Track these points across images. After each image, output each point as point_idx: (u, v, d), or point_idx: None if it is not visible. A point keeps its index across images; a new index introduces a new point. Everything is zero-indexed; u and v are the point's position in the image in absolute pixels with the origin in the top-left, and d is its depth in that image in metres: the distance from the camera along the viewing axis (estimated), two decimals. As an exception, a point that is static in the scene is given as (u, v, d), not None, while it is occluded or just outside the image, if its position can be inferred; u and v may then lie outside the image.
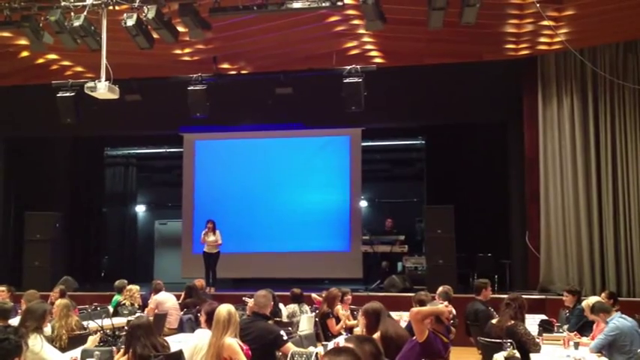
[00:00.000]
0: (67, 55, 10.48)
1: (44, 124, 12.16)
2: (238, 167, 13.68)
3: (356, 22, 9.51)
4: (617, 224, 10.11)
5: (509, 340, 5.28)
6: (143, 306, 8.89)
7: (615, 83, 10.21)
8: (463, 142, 13.30)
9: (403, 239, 12.49)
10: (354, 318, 7.65)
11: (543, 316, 7.65)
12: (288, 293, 8.40)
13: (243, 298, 8.12)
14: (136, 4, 7.41)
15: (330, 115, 11.89)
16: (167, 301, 8.69)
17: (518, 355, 5.14)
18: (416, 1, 8.05)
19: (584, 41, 10.09)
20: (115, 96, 7.67)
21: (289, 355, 5.03)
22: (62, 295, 8.07)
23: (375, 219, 14.40)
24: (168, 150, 15.77)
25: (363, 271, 12.94)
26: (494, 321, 6.11)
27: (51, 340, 5.44)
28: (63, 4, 7.47)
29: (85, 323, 6.64)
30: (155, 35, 7.90)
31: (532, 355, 5.43)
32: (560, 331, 6.78)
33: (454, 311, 6.27)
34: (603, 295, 7.73)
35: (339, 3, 7.36)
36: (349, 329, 7.28)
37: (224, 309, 4.74)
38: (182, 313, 8.72)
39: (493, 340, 5.71)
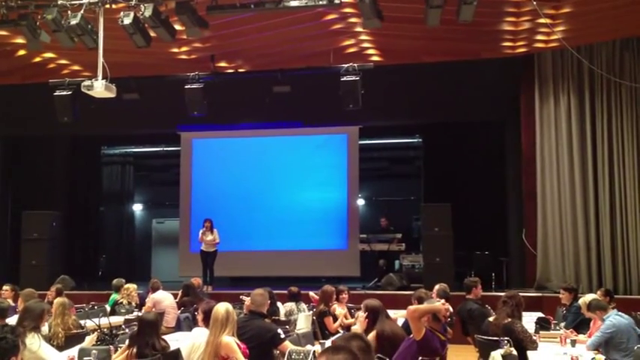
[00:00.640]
0: (64, 53, 10.46)
1: (41, 122, 12.14)
2: (236, 166, 13.68)
3: (353, 20, 9.51)
4: (613, 222, 10.13)
5: (506, 338, 5.29)
6: (140, 305, 8.89)
7: (612, 81, 10.23)
8: (460, 140, 13.31)
9: (400, 237, 12.49)
10: (352, 316, 7.66)
11: (540, 314, 7.67)
12: (285, 291, 8.41)
13: (241, 297, 8.12)
14: (133, 3, 7.41)
15: (328, 113, 11.90)
16: (164, 299, 8.68)
17: (515, 352, 5.15)
18: (413, -1, 8.05)
19: (581, 39, 10.10)
20: (112, 95, 7.66)
21: (287, 354, 5.03)
22: (59, 294, 8.06)
23: (373, 217, 14.40)
24: (165, 149, 15.75)
25: (360, 269, 12.95)
26: (491, 319, 6.13)
27: (48, 339, 5.44)
28: (60, 2, 7.46)
29: (82, 322, 6.63)
30: (152, 33, 7.89)
31: (529, 353, 5.43)
32: (557, 328, 6.80)
33: (451, 309, 6.28)
34: (599, 292, 7.74)
35: (337, 1, 7.37)
36: (346, 327, 7.28)
37: (222, 307, 4.74)
38: (179, 311, 8.71)
39: (490, 337, 5.72)
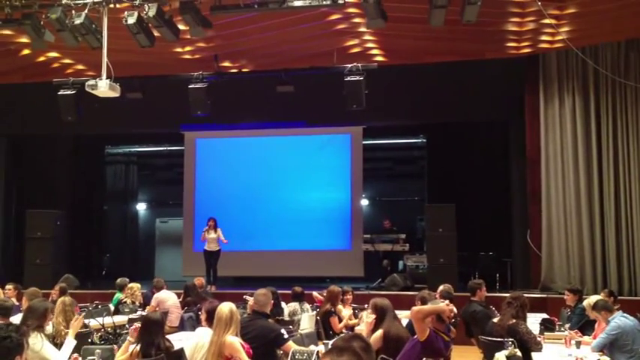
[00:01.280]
0: (68, 53, 10.48)
1: (45, 122, 12.17)
2: (239, 165, 13.68)
3: (357, 20, 9.50)
4: (618, 223, 10.09)
5: (510, 339, 5.27)
6: (144, 304, 8.90)
7: (617, 81, 10.19)
8: (464, 141, 13.29)
9: (404, 238, 12.47)
10: (355, 317, 7.64)
11: (545, 315, 7.65)
12: (289, 291, 8.40)
13: (244, 297, 8.12)
14: (137, 2, 7.41)
15: (331, 113, 11.89)
16: (168, 299, 8.69)
17: (519, 353, 5.14)
18: (417, -1, 8.04)
19: (585, 39, 10.07)
20: (115, 94, 7.66)
21: (290, 354, 5.02)
22: (63, 293, 8.05)
23: (376, 217, 14.38)
24: (169, 148, 15.77)
25: (364, 269, 12.93)
26: (495, 320, 6.10)
27: (52, 338, 5.43)
28: (64, 2, 7.46)
29: (86, 321, 6.63)
30: (156, 33, 7.89)
31: (534, 354, 5.42)
32: (562, 329, 6.77)
33: (455, 310, 6.26)
34: (603, 293, 7.72)
35: (340, 1, 7.35)
36: (350, 328, 7.26)
37: (226, 307, 4.73)
38: (183, 311, 8.71)
39: (495, 338, 5.70)
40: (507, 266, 11.75)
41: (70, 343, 5.10)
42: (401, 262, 12.64)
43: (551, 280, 10.43)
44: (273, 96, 10.66)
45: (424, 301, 5.33)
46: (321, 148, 13.60)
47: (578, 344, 5.81)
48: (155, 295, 8.77)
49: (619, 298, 8.13)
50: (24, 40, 9.54)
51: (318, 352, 5.04)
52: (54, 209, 12.38)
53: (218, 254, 11.82)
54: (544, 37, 10.11)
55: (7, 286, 8.32)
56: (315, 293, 9.28)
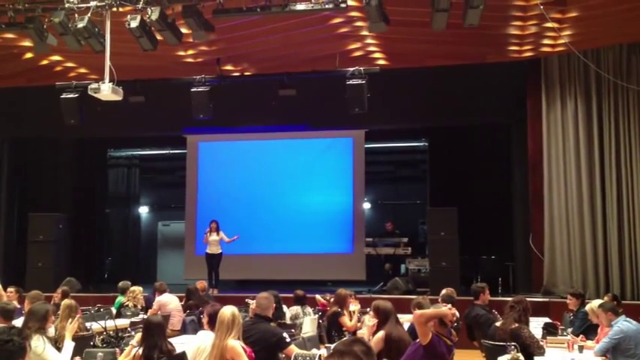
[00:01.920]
0: (71, 56, 10.50)
1: (48, 125, 12.19)
2: (241, 169, 13.68)
3: (359, 23, 9.51)
4: (621, 227, 10.07)
5: (513, 343, 5.26)
6: (146, 307, 8.90)
7: (619, 85, 10.19)
8: (466, 144, 13.28)
9: (406, 241, 12.46)
10: (358, 320, 7.62)
11: (547, 319, 7.63)
12: (291, 295, 8.39)
13: (246, 300, 8.11)
14: (140, 6, 7.42)
15: (334, 116, 11.90)
16: (170, 302, 8.68)
17: (522, 358, 5.12)
18: (419, 2, 8.05)
19: (587, 43, 10.07)
20: (118, 97, 7.68)
21: (292, 357, 5.01)
22: (65, 296, 8.06)
23: (378, 221, 14.37)
24: (171, 151, 15.78)
25: (366, 273, 12.92)
26: (498, 324, 6.09)
27: (54, 341, 5.43)
28: (67, 5, 7.47)
29: (88, 324, 6.64)
30: (159, 37, 7.91)
31: (536, 358, 5.41)
32: (565, 334, 6.75)
33: (457, 314, 6.25)
34: (606, 297, 7.70)
35: (343, 5, 7.36)
36: (353, 332, 7.25)
37: (228, 310, 4.73)
38: (185, 314, 8.71)
39: (497, 343, 5.69)
40: (509, 270, 11.73)
41: (69, 345, 5.10)
42: (403, 266, 12.62)
43: (554, 284, 10.40)
44: (275, 99, 10.67)
45: (420, 307, 5.32)
46: (323, 152, 13.60)
47: (581, 349, 5.80)
48: (157, 299, 8.77)
49: (622, 302, 8.10)
50: (27, 43, 9.56)
51: (320, 355, 5.04)
52: (56, 212, 12.39)
53: (220, 257, 11.82)
54: (546, 41, 10.11)
55: (9, 289, 8.31)
56: (317, 296, 9.28)
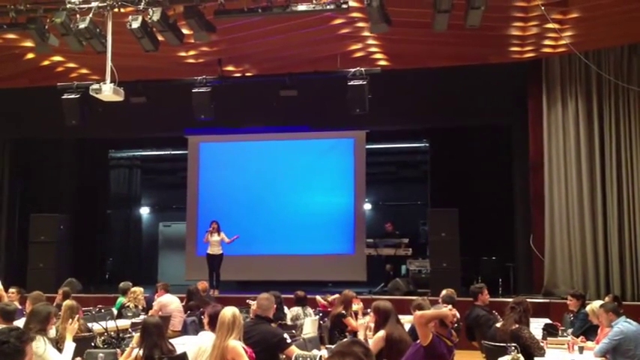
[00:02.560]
0: (73, 57, 10.51)
1: (49, 126, 12.21)
2: (243, 169, 13.69)
3: (361, 24, 9.52)
4: (621, 228, 10.07)
5: (513, 344, 5.26)
6: (147, 308, 8.90)
7: (620, 86, 10.19)
8: (467, 145, 13.28)
9: (407, 242, 12.47)
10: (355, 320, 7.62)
11: (547, 320, 7.62)
12: (292, 296, 8.39)
13: (247, 301, 8.12)
14: (141, 7, 7.43)
15: (335, 117, 11.91)
16: (171, 303, 8.69)
17: (522, 359, 5.12)
18: (421, 3, 8.05)
19: (588, 44, 10.08)
20: (119, 98, 7.69)
21: (293, 358, 5.02)
22: (66, 297, 8.07)
23: (379, 222, 14.38)
24: (172, 152, 15.80)
25: (367, 273, 12.92)
26: (498, 325, 6.10)
27: (55, 342, 5.44)
28: (68, 6, 7.49)
29: (89, 325, 6.64)
30: (160, 38, 7.93)
31: (536, 359, 5.41)
32: (565, 335, 6.75)
33: (458, 315, 6.25)
34: (607, 298, 7.70)
35: (344, 6, 7.37)
36: (353, 333, 7.25)
37: (229, 311, 4.74)
38: (186, 315, 8.72)
39: (497, 344, 5.69)
40: (510, 271, 11.73)
41: (70, 346, 5.11)
42: (404, 267, 12.63)
43: (554, 285, 10.40)
44: (276, 100, 10.68)
45: (420, 308, 5.33)
46: (325, 152, 13.61)
47: (581, 350, 5.80)
48: (158, 299, 8.77)
49: (622, 303, 8.09)
50: (28, 44, 9.57)
51: (320, 356, 5.05)
52: (57, 213, 12.41)
53: (221, 258, 11.81)
54: (547, 42, 10.11)
55: (11, 290, 8.32)
56: (318, 297, 9.29)
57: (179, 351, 5.06)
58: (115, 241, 16.10)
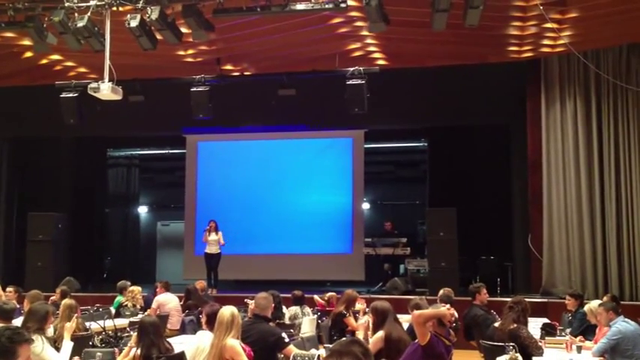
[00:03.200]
0: (71, 55, 10.50)
1: (47, 124, 12.19)
2: (241, 169, 13.68)
3: (359, 23, 9.51)
4: (619, 227, 10.08)
5: (511, 344, 5.26)
6: (145, 307, 8.89)
7: (618, 86, 10.20)
8: (466, 145, 13.29)
9: (405, 241, 12.47)
10: (356, 320, 7.62)
11: (546, 320, 7.63)
12: (290, 295, 8.39)
13: (245, 300, 8.11)
14: (140, 5, 7.42)
15: (333, 116, 11.91)
16: (169, 302, 8.68)
17: (520, 358, 5.12)
18: (419, 3, 8.05)
19: (587, 44, 10.08)
20: (118, 97, 7.67)
21: (291, 358, 5.01)
22: (64, 295, 8.06)
23: (378, 221, 14.39)
24: (170, 151, 15.79)
25: (365, 273, 12.92)
26: (496, 324, 6.10)
27: (53, 341, 5.43)
28: (67, 4, 7.48)
29: (87, 324, 6.63)
30: (158, 36, 7.91)
31: (535, 359, 5.41)
32: (563, 334, 6.76)
33: (456, 314, 6.25)
34: (605, 298, 7.70)
35: (343, 5, 7.36)
36: (352, 332, 7.25)
37: (227, 310, 4.74)
38: (184, 314, 8.71)
39: (496, 343, 5.69)
40: (508, 270, 11.74)
41: (68, 345, 5.10)
42: (402, 266, 12.63)
43: (553, 284, 10.41)
44: (274, 99, 10.67)
45: (418, 308, 5.33)
46: (323, 152, 13.60)
47: (579, 349, 5.81)
48: (156, 298, 8.77)
49: (620, 302, 8.10)
50: (27, 42, 9.55)
51: (318, 355, 5.04)
52: (55, 212, 12.38)
53: (218, 257, 11.81)
54: (546, 42, 10.11)
55: (8, 289, 8.32)
56: (315, 297, 9.29)
57: (177, 350, 5.06)
58: (113, 240, 16.09)
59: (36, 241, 11.94)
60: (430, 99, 11.73)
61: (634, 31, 9.73)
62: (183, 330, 8.20)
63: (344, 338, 4.92)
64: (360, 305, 7.68)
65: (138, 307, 8.82)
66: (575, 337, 6.41)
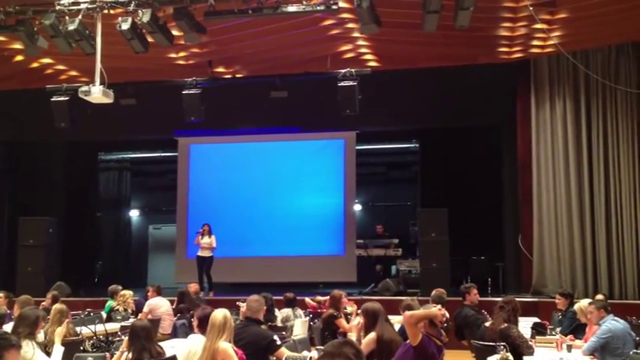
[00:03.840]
0: (62, 59, 10.46)
1: (38, 128, 12.15)
2: (233, 171, 13.66)
3: (351, 25, 9.54)
4: (609, 227, 10.16)
5: (502, 343, 5.29)
6: (137, 311, 8.86)
7: (607, 86, 10.28)
8: (457, 146, 13.33)
9: (397, 243, 12.50)
10: (348, 322, 7.62)
11: (536, 319, 7.68)
12: (282, 297, 8.39)
13: (237, 303, 8.10)
14: (131, 8, 7.42)
15: (325, 118, 11.92)
16: (161, 306, 8.65)
17: (511, 357, 5.15)
18: (410, 4, 8.09)
19: (576, 44, 10.15)
20: (109, 100, 7.66)
21: (283, 360, 5.02)
22: (55, 300, 8.02)
23: (370, 222, 14.41)
24: (162, 154, 15.73)
25: (357, 274, 12.93)
26: (487, 324, 6.13)
27: (44, 346, 5.41)
28: (58, 8, 7.46)
29: (78, 329, 6.61)
30: (150, 39, 7.90)
31: (525, 358, 5.44)
32: (553, 333, 6.79)
33: (447, 314, 6.28)
34: (599, 296, 7.77)
35: (334, 7, 7.39)
36: (343, 334, 7.25)
37: (220, 313, 4.72)
38: (176, 318, 8.69)
39: (486, 343, 5.72)
40: (499, 270, 11.79)
41: (58, 350, 5.09)
42: (394, 267, 12.65)
43: (543, 284, 10.47)
44: (266, 101, 10.68)
45: (410, 309, 5.34)
46: (315, 154, 13.61)
47: (570, 348, 5.84)
48: (148, 302, 8.74)
49: (609, 301, 8.16)
50: (17, 46, 9.52)
51: (310, 357, 5.05)
52: (47, 216, 12.31)
53: (211, 260, 11.79)
54: (535, 42, 10.18)
55: (-1, 294, 8.27)
56: (307, 299, 9.29)
57: (169, 354, 5.05)
58: (104, 244, 16.02)
59: (27, 246, 11.86)
60: (421, 100, 11.77)
61: (623, 31, 9.82)
62: (175, 334, 8.17)
63: (336, 340, 4.93)
64: (350, 308, 7.69)
65: (129, 311, 8.79)
66: (566, 336, 6.44)
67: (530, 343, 5.72)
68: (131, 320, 8.08)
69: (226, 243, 12.08)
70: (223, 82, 11.32)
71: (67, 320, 5.86)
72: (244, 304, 5.79)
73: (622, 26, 9.59)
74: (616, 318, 5.94)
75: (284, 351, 5.14)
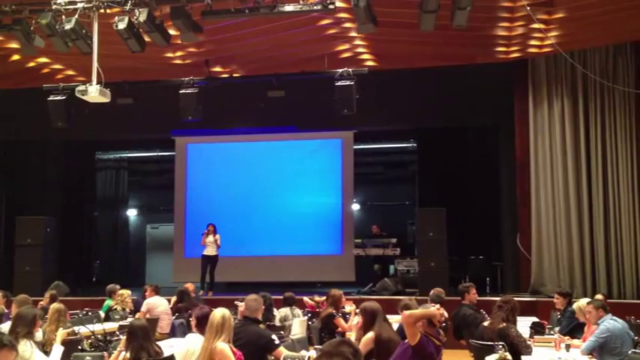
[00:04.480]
0: (59, 58, 10.44)
1: (35, 127, 12.10)
2: (230, 171, 13.65)
3: (348, 25, 9.54)
4: (607, 226, 10.17)
5: (500, 343, 5.29)
6: (135, 311, 8.85)
7: (605, 86, 10.29)
8: (455, 145, 13.35)
9: (395, 242, 12.50)
10: (346, 322, 7.62)
11: (534, 318, 7.68)
12: (280, 297, 8.38)
13: (235, 302, 8.09)
14: (128, 7, 7.39)
15: (322, 118, 11.91)
16: (159, 305, 8.64)
17: (509, 357, 5.15)
18: (408, 4, 8.08)
19: (574, 44, 10.16)
20: (106, 99, 7.64)
21: (281, 359, 5.01)
22: (53, 300, 8.00)
23: (367, 222, 14.41)
24: (159, 153, 15.72)
25: (355, 274, 12.93)
26: (486, 323, 6.13)
27: (42, 345, 5.40)
28: (54, 7, 7.44)
29: (76, 328, 6.59)
30: (147, 38, 7.88)
31: (523, 357, 5.43)
32: (552, 333, 6.80)
33: (446, 314, 6.27)
34: (599, 296, 7.79)
35: (331, 6, 7.38)
36: (342, 333, 7.25)
37: (218, 313, 4.70)
38: (174, 317, 8.68)
39: (485, 342, 5.72)
40: (497, 270, 11.80)
41: (58, 349, 5.08)
42: (392, 267, 12.66)
43: (541, 283, 10.48)
44: (263, 101, 10.66)
45: (408, 309, 5.34)
46: (312, 153, 13.61)
47: (568, 347, 5.84)
48: (146, 301, 8.73)
49: (608, 301, 8.17)
50: (14, 45, 9.49)
51: (309, 357, 5.04)
52: (44, 215, 12.28)
53: (216, 259, 11.81)
54: (533, 42, 10.19)
55: (-3, 294, 8.24)
56: (305, 298, 9.28)
57: (167, 353, 5.03)
58: (102, 243, 15.99)
59: (24, 245, 11.83)
60: (419, 100, 11.77)
61: (620, 31, 9.83)
62: (173, 333, 8.16)
63: (334, 339, 4.91)
64: (349, 307, 7.68)
65: (127, 310, 8.78)
66: (564, 335, 6.45)
67: (528, 342, 5.72)
68: (129, 319, 8.07)
69: (224, 242, 12.06)
70: (220, 81, 11.31)
71: (69, 325, 5.83)
72: (242, 303, 5.78)
73: (620, 26, 9.59)
74: (614, 317, 5.95)
75: (282, 350, 5.13)
